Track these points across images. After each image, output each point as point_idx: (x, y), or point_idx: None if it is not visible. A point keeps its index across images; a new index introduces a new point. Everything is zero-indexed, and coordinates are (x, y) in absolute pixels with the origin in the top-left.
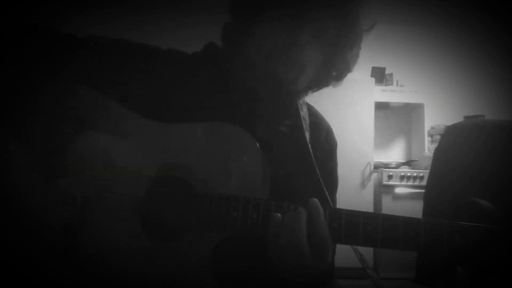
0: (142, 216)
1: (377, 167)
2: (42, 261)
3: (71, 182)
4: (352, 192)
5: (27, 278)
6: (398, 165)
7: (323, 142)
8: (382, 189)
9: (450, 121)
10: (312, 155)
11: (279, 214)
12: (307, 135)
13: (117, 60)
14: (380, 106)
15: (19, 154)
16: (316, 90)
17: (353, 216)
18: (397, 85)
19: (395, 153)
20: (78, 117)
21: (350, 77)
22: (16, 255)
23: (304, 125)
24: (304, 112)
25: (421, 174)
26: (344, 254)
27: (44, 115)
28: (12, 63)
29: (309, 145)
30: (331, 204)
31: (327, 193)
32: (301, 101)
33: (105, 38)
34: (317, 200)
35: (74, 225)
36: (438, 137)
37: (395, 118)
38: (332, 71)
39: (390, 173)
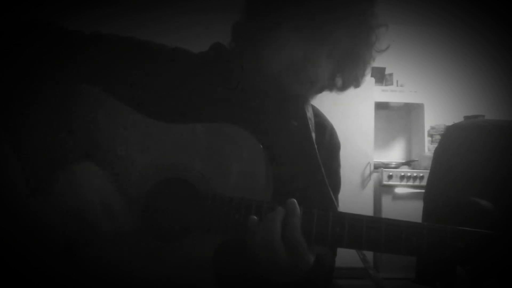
0: (144, 216)
1: (377, 167)
2: (42, 261)
3: (74, 178)
4: (352, 192)
5: (27, 278)
6: (398, 165)
7: (327, 142)
8: (382, 189)
9: (450, 121)
10: (318, 155)
11: (255, 217)
12: (313, 135)
13: (121, 58)
14: (380, 106)
15: (19, 153)
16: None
17: (356, 221)
18: (397, 85)
19: (395, 153)
20: (81, 116)
21: None
22: (16, 255)
23: (310, 126)
24: (310, 113)
25: (421, 174)
26: (344, 254)
27: (46, 114)
28: (15, 60)
29: (315, 146)
30: (336, 205)
31: (332, 194)
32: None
33: (111, 35)
34: (295, 200)
35: (74, 224)
36: (438, 137)
37: (395, 118)
38: (339, 83)
39: (390, 173)
